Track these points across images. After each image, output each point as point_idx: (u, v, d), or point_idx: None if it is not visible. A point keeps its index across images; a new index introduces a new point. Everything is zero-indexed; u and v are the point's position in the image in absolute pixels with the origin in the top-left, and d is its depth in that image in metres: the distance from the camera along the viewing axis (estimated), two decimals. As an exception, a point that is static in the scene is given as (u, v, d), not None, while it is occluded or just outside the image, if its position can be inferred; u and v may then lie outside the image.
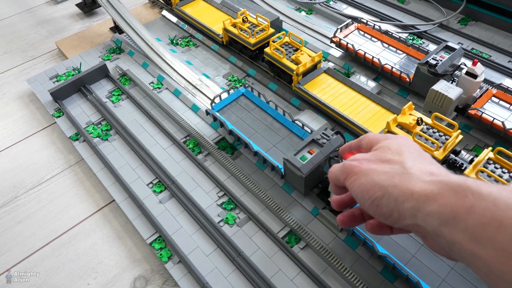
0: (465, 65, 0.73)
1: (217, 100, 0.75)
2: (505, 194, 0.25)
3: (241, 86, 0.81)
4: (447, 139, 0.61)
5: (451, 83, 0.73)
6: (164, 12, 1.08)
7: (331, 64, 0.89)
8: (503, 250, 0.24)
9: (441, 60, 0.72)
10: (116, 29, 1.03)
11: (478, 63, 0.67)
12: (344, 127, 0.73)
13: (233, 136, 0.71)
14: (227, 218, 0.62)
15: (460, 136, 0.61)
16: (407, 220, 0.30)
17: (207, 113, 0.73)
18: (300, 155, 0.60)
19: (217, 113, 0.72)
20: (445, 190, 0.28)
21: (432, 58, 0.72)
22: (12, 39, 1.10)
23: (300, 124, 0.69)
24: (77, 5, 1.18)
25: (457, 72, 0.77)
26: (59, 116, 0.82)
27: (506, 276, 0.24)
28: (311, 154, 0.60)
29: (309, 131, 0.68)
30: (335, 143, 0.61)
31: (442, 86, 0.67)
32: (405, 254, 0.55)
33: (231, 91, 0.77)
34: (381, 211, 0.32)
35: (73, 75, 0.91)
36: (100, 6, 1.15)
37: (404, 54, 0.84)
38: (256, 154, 0.67)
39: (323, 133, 0.62)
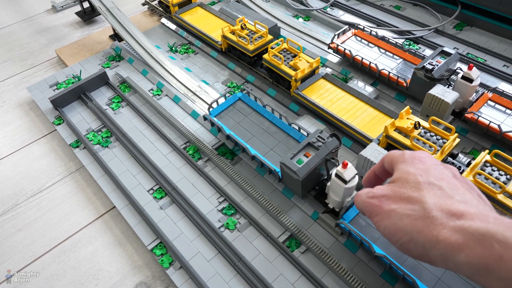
0: (461, 69, 0.74)
1: (214, 105, 0.76)
2: None
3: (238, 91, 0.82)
4: (444, 143, 0.61)
5: (448, 87, 0.74)
6: (163, 20, 1.09)
7: (329, 70, 0.90)
8: None
9: (437, 65, 0.73)
10: (116, 37, 1.04)
11: (474, 68, 0.68)
12: (342, 132, 0.74)
13: (231, 141, 0.72)
14: (227, 223, 0.63)
15: (457, 140, 0.62)
16: (439, 264, 0.30)
17: (205, 118, 0.74)
18: (296, 158, 0.61)
19: (214, 118, 0.73)
20: (470, 240, 0.28)
21: (429, 63, 0.73)
22: (12, 47, 1.11)
23: (297, 127, 0.70)
24: (77, 13, 1.19)
25: (453, 77, 0.78)
26: (59, 124, 0.82)
27: None
28: (307, 157, 0.61)
29: (306, 134, 0.68)
30: (331, 145, 0.61)
31: (438, 91, 0.68)
32: (401, 254, 0.55)
33: (228, 96, 0.77)
34: (411, 254, 0.32)
35: (73, 82, 0.91)
36: (100, 14, 1.16)
37: (401, 59, 0.85)
38: (253, 158, 0.68)
39: (318, 136, 0.62)
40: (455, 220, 0.30)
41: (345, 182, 0.54)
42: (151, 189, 0.69)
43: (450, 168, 0.37)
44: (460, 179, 0.35)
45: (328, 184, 0.59)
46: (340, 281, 0.55)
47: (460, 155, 0.68)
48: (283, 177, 0.64)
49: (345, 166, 0.54)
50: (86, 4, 1.16)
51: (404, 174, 0.36)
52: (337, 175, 0.55)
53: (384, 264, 0.54)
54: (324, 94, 0.78)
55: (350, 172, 0.54)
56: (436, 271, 0.53)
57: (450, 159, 0.64)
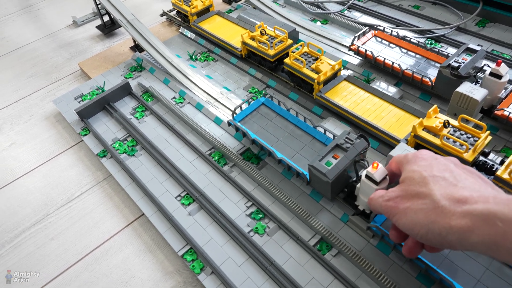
0: (489, 66, 0.72)
1: (238, 111, 0.76)
2: None
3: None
4: (475, 141, 0.60)
5: (475, 85, 0.72)
6: (182, 29, 1.11)
7: (350, 72, 0.89)
8: None
9: (463, 62, 0.71)
10: (136, 48, 1.06)
11: (502, 63, 0.67)
12: (368, 133, 0.73)
13: (257, 145, 0.72)
14: (256, 227, 0.62)
15: (489, 137, 0.60)
16: (457, 247, 0.34)
17: (229, 124, 0.74)
18: (325, 160, 0.60)
19: (239, 123, 0.73)
20: (477, 222, 0.32)
21: (454, 61, 0.72)
22: (36, 62, 1.14)
23: (322, 130, 0.69)
24: (97, 27, 1.22)
25: (479, 74, 0.76)
26: (85, 134, 0.84)
27: None
28: (336, 159, 0.60)
29: (332, 136, 0.68)
30: (359, 146, 0.61)
31: (466, 88, 0.67)
32: (437, 256, 0.54)
33: (251, 101, 0.78)
34: (431, 243, 0.36)
35: (97, 94, 0.93)
36: (119, 27, 1.19)
37: (424, 59, 0.84)
38: (280, 162, 0.67)
39: (346, 138, 0.62)
40: (461, 206, 0.33)
41: (376, 183, 0.54)
42: (179, 195, 0.69)
43: (450, 159, 0.41)
44: (460, 167, 0.39)
45: (358, 186, 0.58)
46: (375, 284, 0.54)
47: (491, 153, 0.66)
48: (311, 180, 0.64)
49: (375, 167, 0.53)
50: (106, 18, 1.19)
51: (410, 173, 0.40)
52: (367, 176, 0.54)
53: (419, 267, 0.53)
54: (348, 96, 0.78)
55: (380, 172, 0.54)
56: (475, 272, 0.52)
57: (482, 158, 0.62)
